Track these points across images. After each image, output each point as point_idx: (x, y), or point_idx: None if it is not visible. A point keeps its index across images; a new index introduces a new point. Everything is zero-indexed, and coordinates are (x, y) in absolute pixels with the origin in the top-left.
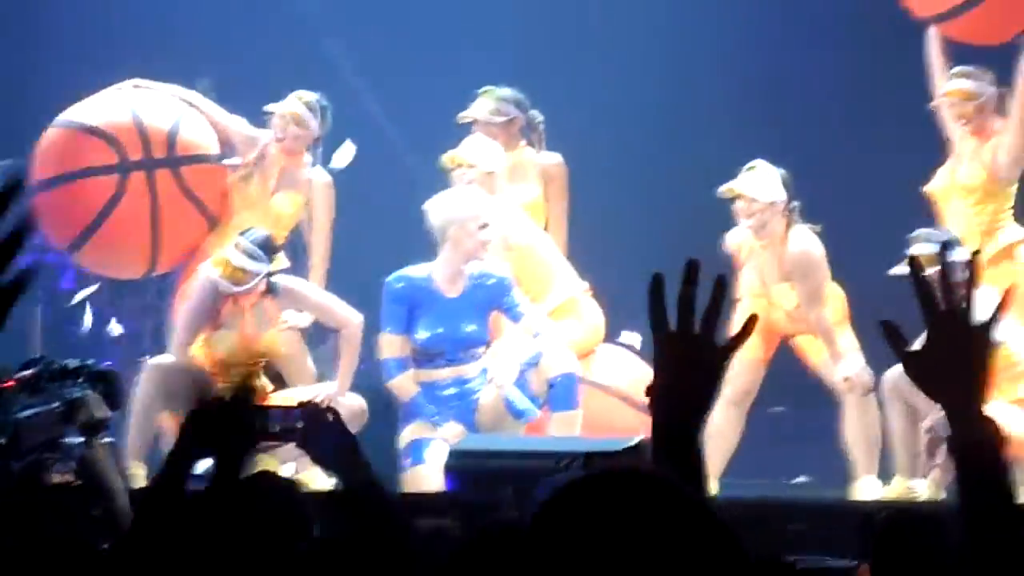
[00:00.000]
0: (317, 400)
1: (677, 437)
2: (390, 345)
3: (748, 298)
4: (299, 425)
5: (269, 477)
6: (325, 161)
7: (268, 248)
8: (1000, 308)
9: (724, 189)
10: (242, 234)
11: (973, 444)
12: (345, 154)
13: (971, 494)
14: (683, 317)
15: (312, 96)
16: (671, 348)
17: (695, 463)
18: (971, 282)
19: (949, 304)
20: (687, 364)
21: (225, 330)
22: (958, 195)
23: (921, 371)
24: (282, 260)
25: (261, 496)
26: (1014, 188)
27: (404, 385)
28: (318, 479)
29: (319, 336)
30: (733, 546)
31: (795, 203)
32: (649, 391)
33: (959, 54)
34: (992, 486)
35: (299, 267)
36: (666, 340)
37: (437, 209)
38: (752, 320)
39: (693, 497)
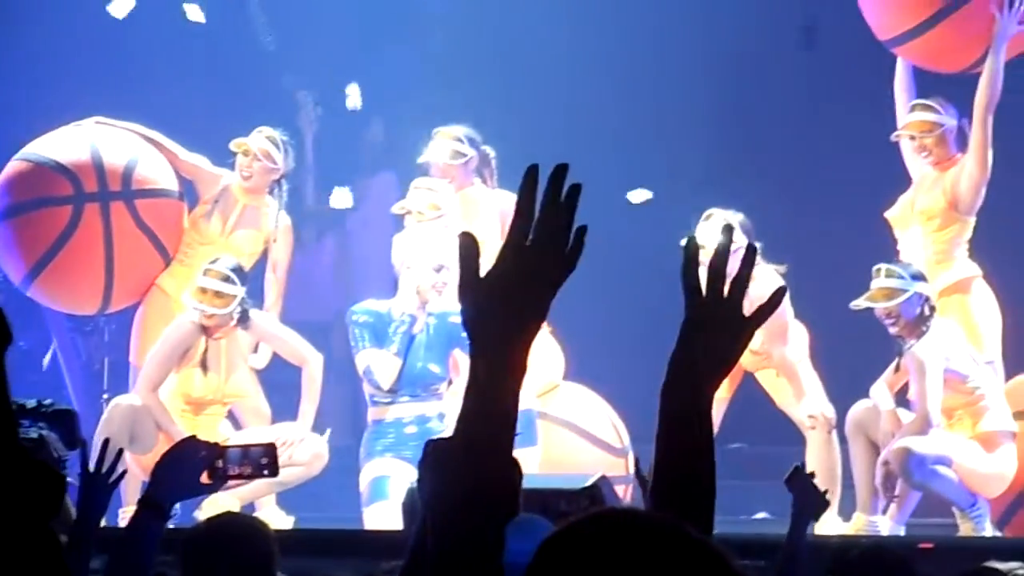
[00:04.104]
0: (282, 442)
1: (689, 401)
2: (365, 357)
3: None
4: (264, 462)
5: (236, 518)
6: (289, 200)
7: (240, 273)
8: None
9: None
10: (211, 263)
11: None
12: (343, 198)
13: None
14: (713, 283)
15: (276, 132)
16: (701, 312)
17: (706, 431)
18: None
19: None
20: (715, 327)
21: (200, 368)
22: (917, 221)
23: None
24: None
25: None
26: (972, 220)
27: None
28: (278, 519)
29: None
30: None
31: (756, 244)
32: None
33: (926, 86)
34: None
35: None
36: (698, 305)
37: (398, 247)
38: (780, 291)
39: (681, 533)
